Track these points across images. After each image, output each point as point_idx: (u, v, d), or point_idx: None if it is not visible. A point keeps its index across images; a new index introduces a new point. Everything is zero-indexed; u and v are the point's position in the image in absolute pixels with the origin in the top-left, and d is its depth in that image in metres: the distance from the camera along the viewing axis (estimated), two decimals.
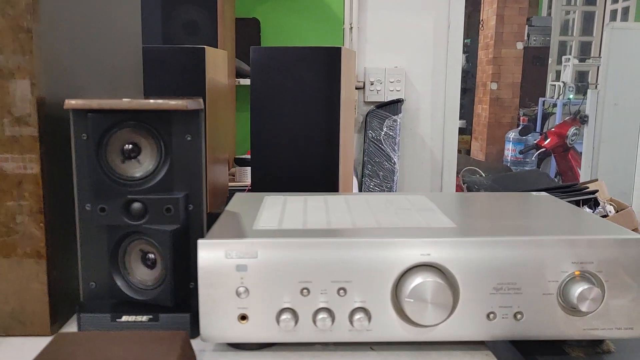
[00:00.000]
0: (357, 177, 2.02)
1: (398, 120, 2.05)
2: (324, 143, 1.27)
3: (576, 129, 4.16)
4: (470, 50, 7.02)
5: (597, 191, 2.04)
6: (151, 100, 0.59)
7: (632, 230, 0.68)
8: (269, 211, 0.68)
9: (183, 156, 0.61)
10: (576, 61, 5.21)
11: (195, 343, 0.58)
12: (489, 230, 0.60)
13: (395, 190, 2.13)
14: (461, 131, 7.62)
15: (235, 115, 2.19)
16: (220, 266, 0.55)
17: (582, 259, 0.55)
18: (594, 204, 2.04)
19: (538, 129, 5.08)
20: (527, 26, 5.94)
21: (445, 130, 2.17)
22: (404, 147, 2.17)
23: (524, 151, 4.68)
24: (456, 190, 2.37)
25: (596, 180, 2.27)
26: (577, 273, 0.55)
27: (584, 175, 2.73)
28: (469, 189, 2.17)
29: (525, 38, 5.98)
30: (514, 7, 5.78)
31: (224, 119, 1.49)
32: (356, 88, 2.11)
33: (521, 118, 5.55)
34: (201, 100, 0.61)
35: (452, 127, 2.18)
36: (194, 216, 0.62)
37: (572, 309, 0.56)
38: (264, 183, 1.31)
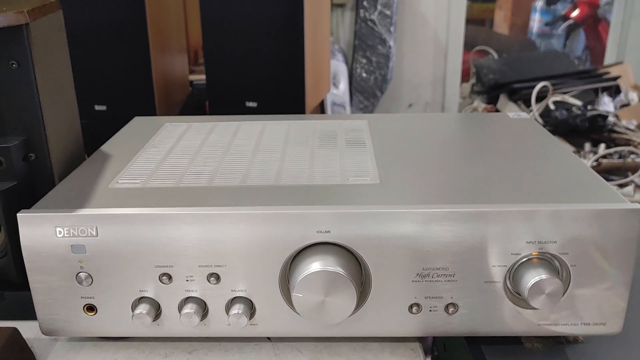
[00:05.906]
0: (347, 63, 1.81)
1: None
2: (285, 49, 1.15)
3: None
4: None
5: (619, 77, 1.81)
6: None
7: None
8: (152, 151, 0.53)
9: (11, 91, 0.45)
10: None
11: None
12: (416, 195, 0.44)
13: (391, 78, 1.92)
14: None
15: None
16: (51, 247, 0.41)
17: (541, 237, 0.40)
18: (615, 91, 1.82)
19: None
20: None
21: (451, 5, 1.91)
22: (403, 29, 1.92)
23: (550, 23, 4.28)
24: (463, 76, 2.14)
25: (621, 63, 2.01)
26: (534, 254, 0.40)
27: (609, 55, 2.45)
28: (478, 74, 1.94)
29: None
30: None
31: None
32: None
33: None
34: (24, 12, 0.43)
35: (459, 3, 1.91)
36: (38, 168, 0.48)
37: (524, 300, 0.41)
38: (221, 103, 1.19)
